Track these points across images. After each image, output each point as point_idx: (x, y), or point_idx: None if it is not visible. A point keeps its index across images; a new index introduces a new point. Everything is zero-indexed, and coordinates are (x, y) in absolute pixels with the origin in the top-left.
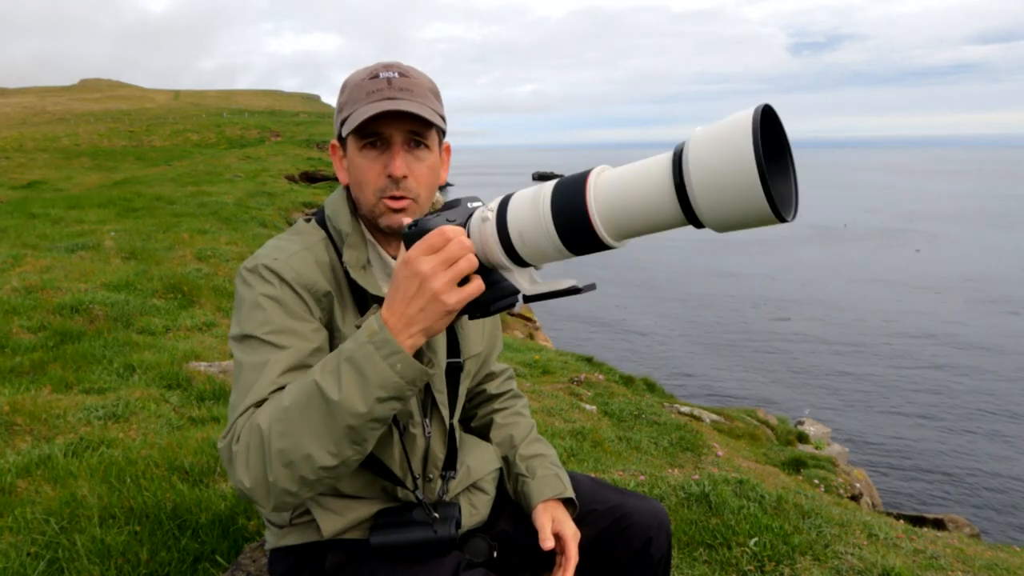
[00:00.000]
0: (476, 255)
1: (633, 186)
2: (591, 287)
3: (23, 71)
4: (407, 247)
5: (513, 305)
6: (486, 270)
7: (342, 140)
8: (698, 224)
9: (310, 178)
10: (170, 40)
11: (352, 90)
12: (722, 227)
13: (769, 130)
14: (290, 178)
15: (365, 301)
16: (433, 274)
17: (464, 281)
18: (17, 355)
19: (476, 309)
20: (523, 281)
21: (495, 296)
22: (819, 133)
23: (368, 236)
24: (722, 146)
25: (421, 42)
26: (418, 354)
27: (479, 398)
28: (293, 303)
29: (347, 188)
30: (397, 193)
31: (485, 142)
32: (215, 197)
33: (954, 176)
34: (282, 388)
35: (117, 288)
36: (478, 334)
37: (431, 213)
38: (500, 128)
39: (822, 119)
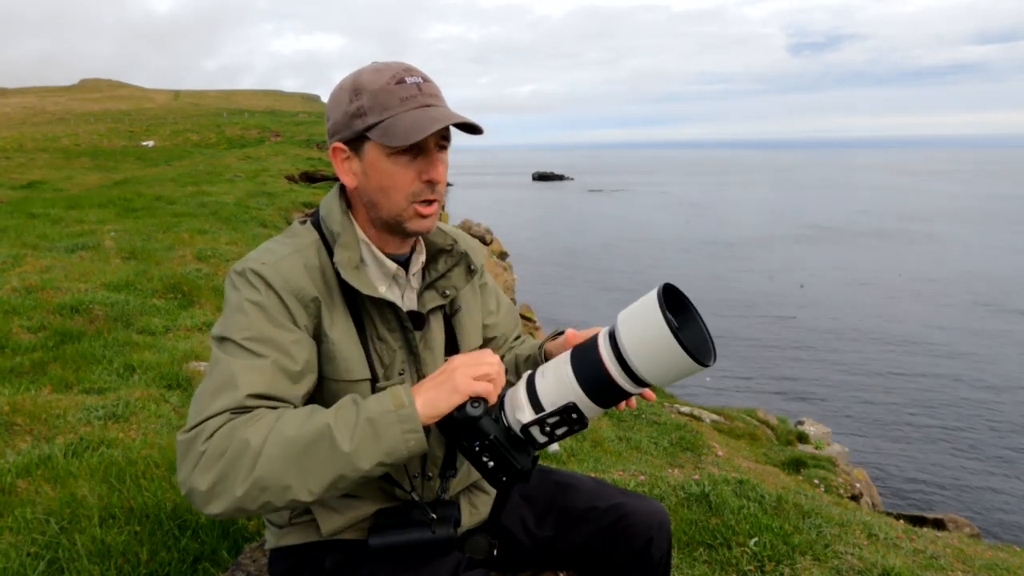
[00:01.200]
0: (504, 411)
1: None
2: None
3: (28, 71)
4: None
5: (512, 480)
6: (510, 431)
7: (351, 143)
8: (645, 384)
9: (310, 178)
10: (174, 40)
11: (377, 95)
12: (662, 383)
13: (673, 298)
14: (290, 178)
15: (357, 303)
16: (460, 366)
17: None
18: (17, 355)
19: (488, 475)
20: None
21: (505, 440)
22: (819, 133)
23: (362, 235)
24: (641, 325)
25: (423, 42)
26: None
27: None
28: (277, 310)
29: (342, 188)
30: (431, 197)
31: (485, 142)
32: (215, 197)
33: (954, 176)
34: (267, 400)
35: (117, 288)
36: (475, 329)
37: None
38: (500, 128)
39: (822, 119)
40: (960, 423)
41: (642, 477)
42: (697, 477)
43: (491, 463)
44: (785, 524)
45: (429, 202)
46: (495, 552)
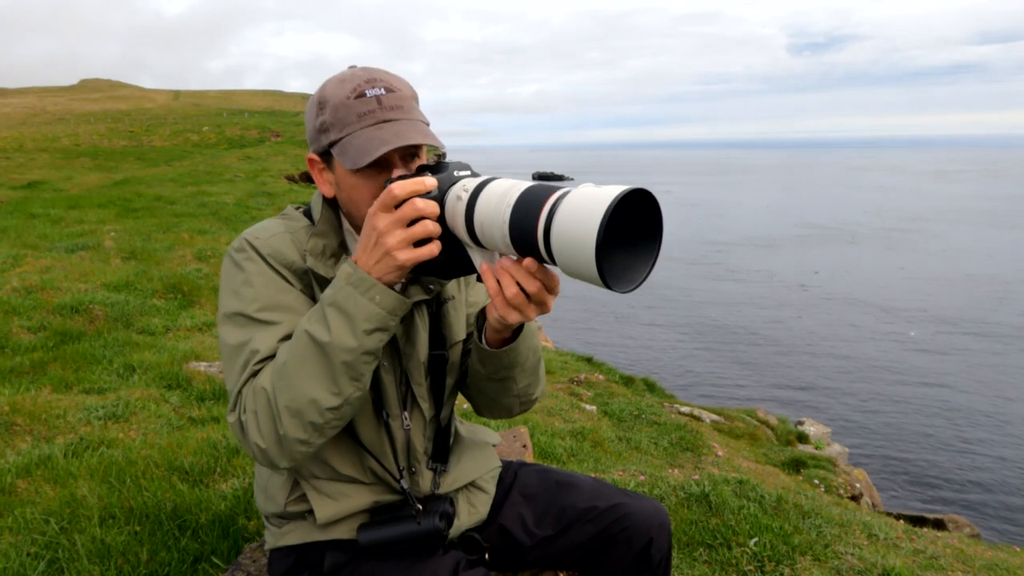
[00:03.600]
0: (445, 224)
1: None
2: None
3: (35, 71)
4: None
5: (470, 274)
6: (454, 241)
7: (324, 155)
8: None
9: (310, 178)
10: (180, 42)
11: (337, 110)
12: (565, 273)
13: (639, 205)
14: (290, 178)
15: None
16: (387, 231)
17: (423, 243)
18: (17, 355)
19: (433, 271)
20: (479, 260)
21: (455, 265)
22: (819, 133)
23: (347, 225)
24: (580, 215)
25: (427, 42)
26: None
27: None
28: (277, 277)
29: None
30: None
31: (486, 142)
32: (215, 197)
33: (954, 176)
34: (271, 357)
35: (117, 288)
36: (460, 322)
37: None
38: (501, 128)
39: (822, 119)
40: (961, 423)
41: (642, 477)
42: (697, 477)
43: (453, 271)
44: (785, 524)
45: None
46: (486, 556)
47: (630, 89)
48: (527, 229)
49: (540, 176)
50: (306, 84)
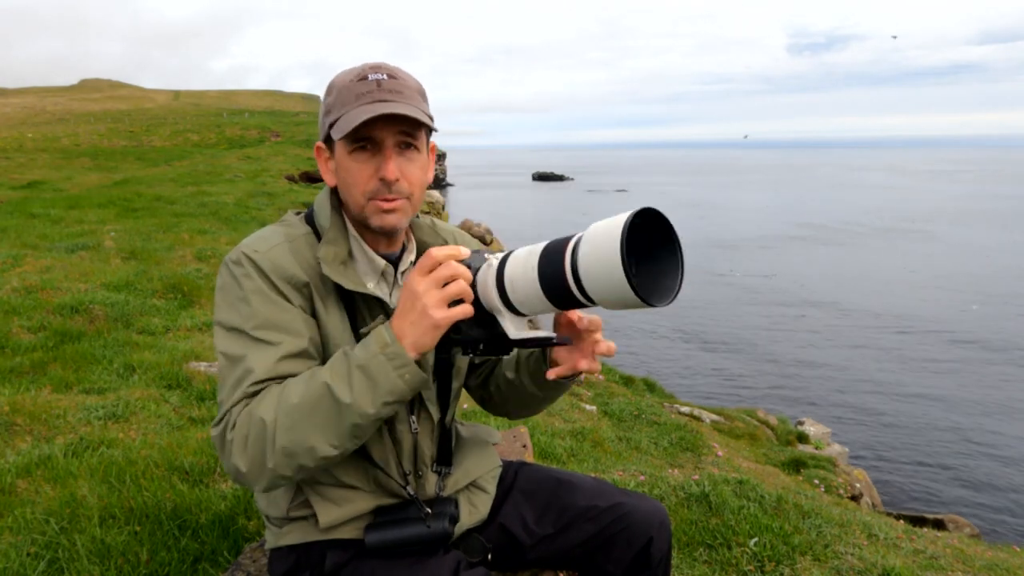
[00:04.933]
0: (477, 295)
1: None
2: (565, 341)
3: (38, 71)
4: None
5: (505, 352)
6: (485, 314)
7: (328, 142)
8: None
9: (310, 178)
10: (183, 43)
11: (340, 92)
12: (608, 308)
13: (652, 224)
14: (290, 178)
15: (349, 295)
16: (425, 291)
17: (456, 304)
18: (17, 355)
19: (467, 345)
20: (512, 327)
21: (488, 337)
22: (819, 133)
23: (352, 231)
24: (600, 248)
25: (429, 42)
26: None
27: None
28: (275, 294)
29: (333, 188)
30: (389, 196)
31: (486, 142)
32: (215, 197)
33: (954, 176)
34: (273, 380)
35: (117, 288)
36: None
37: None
38: (501, 128)
39: (822, 119)
40: (961, 423)
41: (642, 477)
42: (697, 477)
43: (486, 347)
44: (785, 524)
45: (389, 199)
46: (489, 556)
47: (630, 89)
48: (556, 277)
49: (540, 176)
50: (309, 85)
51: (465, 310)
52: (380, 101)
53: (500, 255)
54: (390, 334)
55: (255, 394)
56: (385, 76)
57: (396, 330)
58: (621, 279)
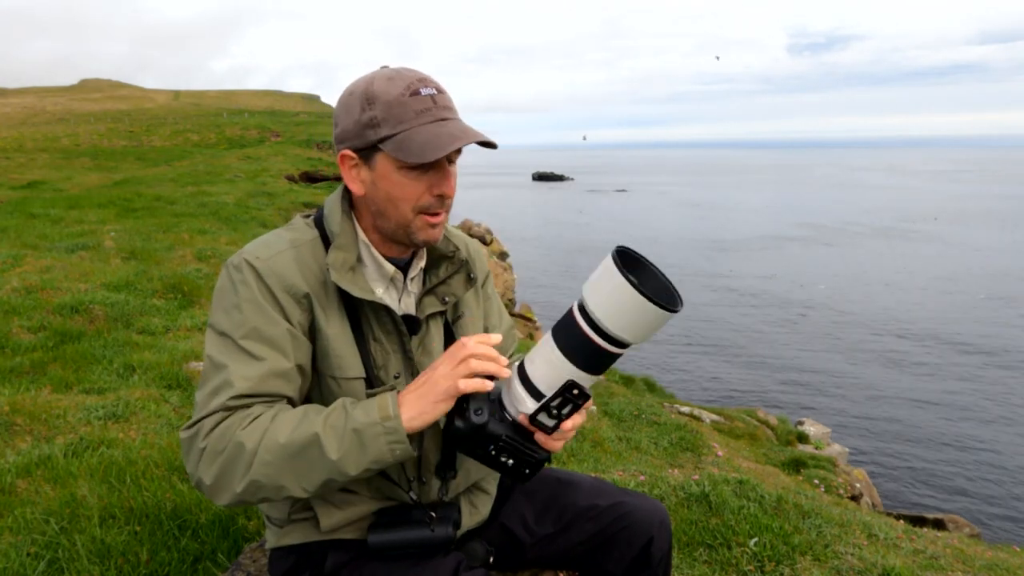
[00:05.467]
0: (507, 412)
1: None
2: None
3: (40, 71)
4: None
5: (535, 470)
6: (523, 436)
7: (362, 151)
8: (626, 344)
9: (310, 178)
10: (184, 44)
11: (392, 107)
12: (640, 339)
13: (628, 259)
14: (290, 178)
15: (354, 302)
16: (441, 365)
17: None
18: (17, 355)
19: (509, 473)
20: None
21: (520, 456)
22: (819, 133)
23: (363, 237)
24: (606, 290)
25: (430, 42)
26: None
27: None
28: (272, 307)
29: (346, 189)
30: (439, 210)
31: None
32: (215, 197)
33: (954, 176)
34: (253, 397)
35: (117, 288)
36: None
37: None
38: (501, 128)
39: (822, 119)
40: (961, 423)
41: (642, 477)
42: (697, 477)
43: (510, 461)
44: (785, 524)
45: (436, 214)
46: (491, 559)
47: (630, 89)
48: (582, 342)
49: (540, 176)
50: (310, 85)
51: (476, 384)
52: (442, 120)
53: (515, 377)
54: (394, 406)
55: (232, 408)
56: (435, 91)
57: (401, 401)
58: (640, 301)
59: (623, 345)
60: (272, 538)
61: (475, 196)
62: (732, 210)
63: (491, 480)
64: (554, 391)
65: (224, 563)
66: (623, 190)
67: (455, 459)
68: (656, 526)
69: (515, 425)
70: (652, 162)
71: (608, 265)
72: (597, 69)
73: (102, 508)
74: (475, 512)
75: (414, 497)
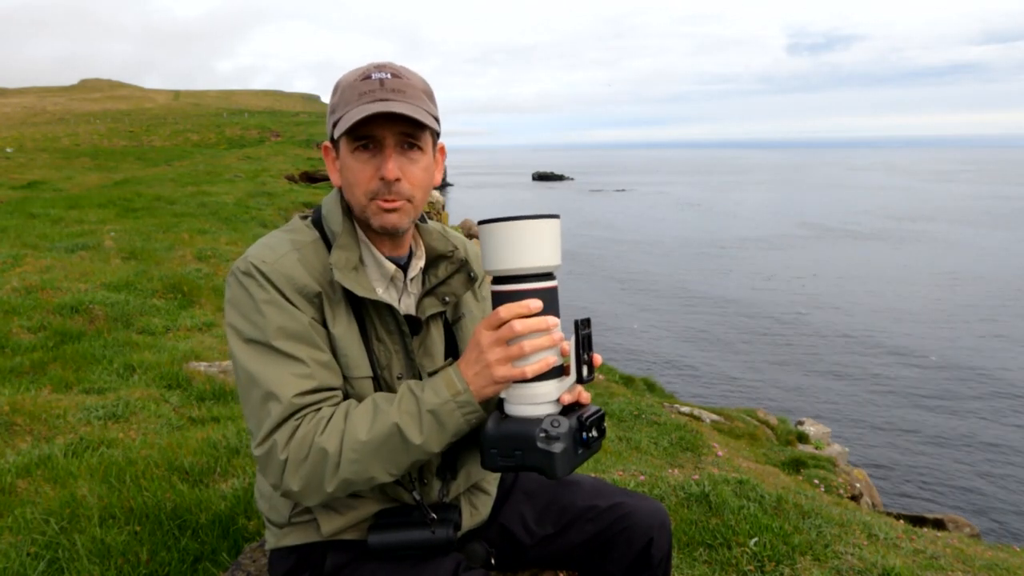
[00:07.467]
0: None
1: None
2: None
3: (42, 71)
4: None
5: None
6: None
7: (334, 142)
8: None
9: (310, 178)
10: (190, 43)
11: (344, 91)
12: (549, 260)
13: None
14: (290, 178)
15: (358, 302)
16: (488, 347)
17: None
18: (17, 355)
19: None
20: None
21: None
22: (819, 133)
23: (362, 236)
24: (498, 243)
25: (433, 42)
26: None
27: None
28: (289, 306)
29: (340, 189)
30: (389, 196)
31: (486, 142)
32: (215, 197)
33: (955, 176)
34: (306, 394)
35: (117, 288)
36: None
37: None
38: (502, 128)
39: (822, 119)
40: (961, 423)
41: (642, 477)
42: (697, 477)
43: (595, 433)
44: (785, 524)
45: (389, 199)
46: (492, 560)
47: (630, 89)
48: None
49: (540, 176)
50: (314, 85)
51: (523, 371)
52: (381, 100)
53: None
54: (461, 381)
55: (299, 412)
56: (389, 75)
57: (465, 376)
58: (523, 222)
59: (549, 277)
60: (272, 539)
61: (475, 196)
62: (732, 210)
63: (491, 481)
64: (572, 342)
65: (224, 563)
66: (623, 190)
67: (456, 460)
68: (656, 527)
69: (570, 406)
70: (652, 162)
71: (484, 230)
72: (597, 69)
73: (102, 508)
74: (475, 513)
75: (417, 497)
